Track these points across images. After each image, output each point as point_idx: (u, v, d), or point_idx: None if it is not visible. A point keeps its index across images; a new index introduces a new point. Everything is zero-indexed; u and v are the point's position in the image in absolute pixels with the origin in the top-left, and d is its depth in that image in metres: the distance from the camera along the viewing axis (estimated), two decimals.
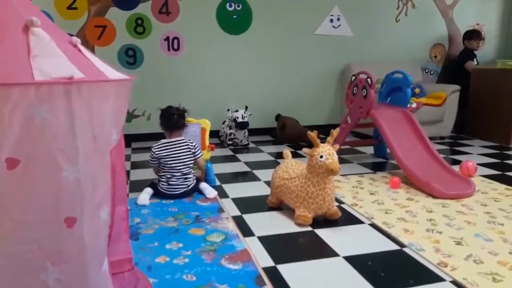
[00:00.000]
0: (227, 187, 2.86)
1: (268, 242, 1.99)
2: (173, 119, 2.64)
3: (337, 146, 2.20)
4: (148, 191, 2.58)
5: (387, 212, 2.37)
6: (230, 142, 4.21)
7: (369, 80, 3.16)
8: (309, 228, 2.14)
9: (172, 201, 2.54)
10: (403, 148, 2.96)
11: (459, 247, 1.91)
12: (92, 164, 1.14)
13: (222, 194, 2.71)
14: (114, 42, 4.25)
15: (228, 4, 4.49)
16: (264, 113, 4.82)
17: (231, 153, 3.99)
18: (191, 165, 2.66)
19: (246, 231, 2.10)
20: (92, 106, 1.12)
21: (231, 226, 2.14)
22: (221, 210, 2.38)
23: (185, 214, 2.32)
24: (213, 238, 1.99)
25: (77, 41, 1.26)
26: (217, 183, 2.96)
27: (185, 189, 2.60)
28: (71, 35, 1.34)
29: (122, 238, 1.64)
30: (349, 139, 4.09)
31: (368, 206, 2.46)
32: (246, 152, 4.07)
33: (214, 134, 4.53)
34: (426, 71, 5.42)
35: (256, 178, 3.09)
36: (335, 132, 2.19)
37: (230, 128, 4.20)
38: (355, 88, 3.35)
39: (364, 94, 3.21)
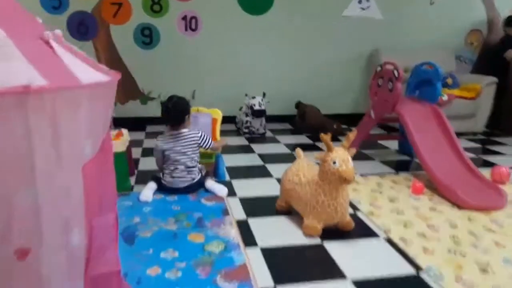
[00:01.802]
0: (236, 184, 2.71)
1: (271, 255, 1.83)
2: (171, 116, 2.48)
3: (353, 150, 1.99)
4: (152, 186, 2.46)
5: (406, 225, 2.16)
6: (246, 130, 4.04)
7: (395, 72, 2.89)
8: (318, 240, 1.97)
9: (176, 197, 2.42)
10: (430, 150, 2.71)
11: (484, 276, 1.70)
12: (55, 183, 0.99)
13: (230, 191, 2.55)
14: (130, 21, 4.08)
15: None
16: (284, 100, 4.60)
17: (246, 142, 3.82)
18: (196, 158, 2.53)
19: (249, 240, 1.95)
20: (57, 117, 0.96)
21: (233, 234, 1.99)
22: (225, 212, 2.24)
23: (187, 215, 2.18)
24: (212, 248, 1.85)
25: (51, 36, 1.09)
26: (227, 178, 2.81)
27: (189, 183, 2.48)
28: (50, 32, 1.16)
29: (110, 248, 1.52)
30: (373, 132, 3.85)
31: (385, 216, 2.26)
32: (262, 141, 3.89)
33: (231, 120, 4.38)
34: (461, 59, 5.03)
35: (268, 174, 2.92)
36: (351, 135, 1.98)
37: (247, 115, 4.02)
38: (381, 79, 3.09)
39: (390, 88, 2.95)
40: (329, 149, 1.92)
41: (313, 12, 4.46)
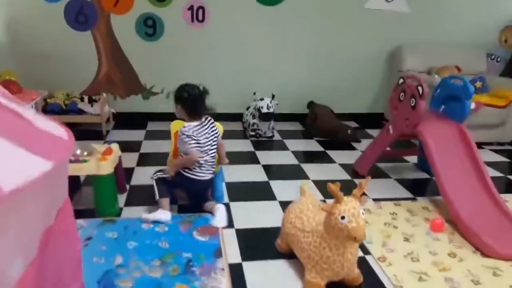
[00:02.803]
0: (235, 208, 2.47)
1: None
2: (199, 104, 2.23)
3: (365, 200, 1.72)
4: (163, 213, 2.24)
5: (422, 278, 1.90)
6: (253, 133, 3.77)
7: (419, 88, 2.56)
8: None
9: (166, 228, 2.19)
10: (453, 181, 2.41)
11: None
12: None
13: (228, 220, 2.32)
14: (132, 10, 3.77)
15: None
16: (295, 97, 4.30)
17: (251, 148, 3.55)
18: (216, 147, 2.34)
19: None
20: None
21: (224, 286, 1.76)
22: (218, 252, 2.00)
23: (176, 255, 1.96)
24: None
25: None
26: (225, 199, 2.57)
27: (211, 176, 2.32)
28: None
29: None
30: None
31: (399, 263, 2.00)
32: (269, 147, 3.62)
33: (237, 117, 4.11)
34: (492, 57, 4.60)
35: (271, 196, 2.66)
36: (363, 183, 1.69)
37: (254, 117, 3.73)
38: (402, 94, 2.76)
39: (413, 105, 2.63)
40: (338, 200, 1.64)
41: (331, 3, 4.08)
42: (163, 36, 3.91)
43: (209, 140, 2.25)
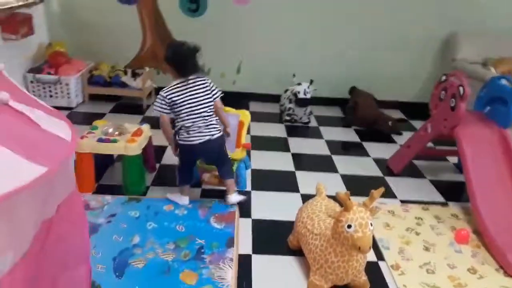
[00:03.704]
0: (255, 197, 2.49)
1: None
2: (187, 63, 2.07)
3: (376, 210, 1.66)
4: (181, 198, 2.34)
5: None
6: (288, 118, 3.72)
7: (461, 89, 2.39)
8: None
9: (185, 211, 2.26)
10: (486, 193, 2.27)
11: None
12: None
13: (246, 209, 2.36)
14: None
15: None
16: (337, 82, 4.16)
17: (284, 134, 3.52)
18: (212, 107, 2.16)
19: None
20: None
21: (230, 277, 1.81)
22: (231, 242, 2.04)
23: (189, 241, 2.02)
24: None
25: None
26: (248, 187, 2.60)
27: (208, 137, 2.13)
28: None
29: None
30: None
31: (413, 274, 1.95)
32: (303, 134, 3.56)
33: (276, 99, 4.06)
34: None
35: (294, 187, 2.65)
36: (375, 194, 1.63)
37: (290, 101, 3.68)
38: (443, 92, 2.59)
39: (452, 105, 2.47)
40: (346, 208, 1.61)
41: None
42: (206, 12, 3.90)
43: (193, 100, 2.08)
